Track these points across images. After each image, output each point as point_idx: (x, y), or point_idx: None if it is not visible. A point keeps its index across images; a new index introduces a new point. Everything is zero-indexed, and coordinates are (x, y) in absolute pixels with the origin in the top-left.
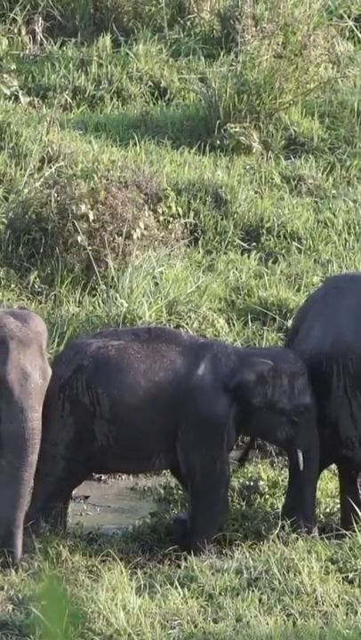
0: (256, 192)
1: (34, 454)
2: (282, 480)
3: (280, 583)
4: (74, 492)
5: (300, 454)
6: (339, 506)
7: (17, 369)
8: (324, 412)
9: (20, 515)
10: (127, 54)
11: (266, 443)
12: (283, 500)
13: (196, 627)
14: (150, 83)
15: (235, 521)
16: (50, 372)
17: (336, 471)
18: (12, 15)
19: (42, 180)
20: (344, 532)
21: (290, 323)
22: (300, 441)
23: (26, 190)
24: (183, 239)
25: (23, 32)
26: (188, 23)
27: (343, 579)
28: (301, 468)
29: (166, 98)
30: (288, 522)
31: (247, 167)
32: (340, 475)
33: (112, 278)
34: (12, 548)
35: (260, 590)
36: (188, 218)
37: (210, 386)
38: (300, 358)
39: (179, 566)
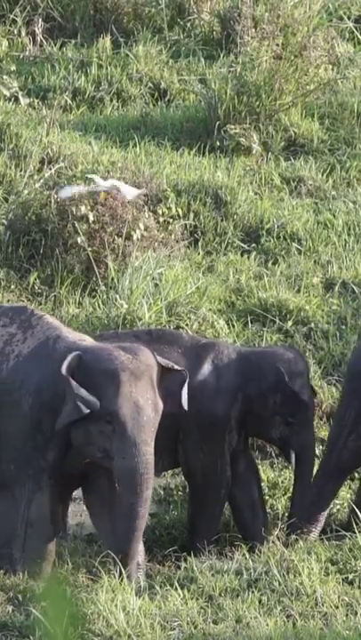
0: (256, 193)
1: (148, 489)
2: (281, 481)
3: (280, 584)
4: (74, 494)
5: (293, 454)
6: (338, 507)
7: (129, 402)
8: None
9: (138, 549)
10: (127, 55)
11: (265, 444)
12: (283, 501)
13: (195, 628)
14: (150, 84)
15: (234, 522)
16: (161, 405)
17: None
18: (11, 16)
19: (42, 181)
20: (344, 532)
21: (289, 324)
22: (295, 442)
23: (26, 191)
24: (183, 240)
25: (23, 33)
26: (188, 24)
27: (343, 580)
28: (293, 467)
29: (166, 99)
30: (286, 523)
31: (247, 168)
32: None
33: (112, 279)
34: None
35: (260, 591)
36: (188, 219)
37: (212, 387)
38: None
39: (179, 567)
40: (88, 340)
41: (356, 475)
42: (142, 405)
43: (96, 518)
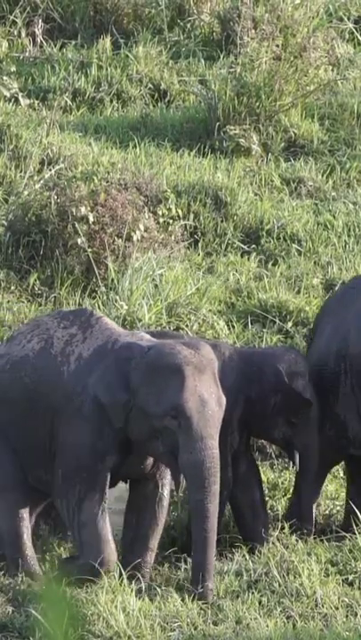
0: (256, 194)
1: (216, 484)
2: (281, 482)
3: (280, 585)
4: None
5: (297, 455)
6: (338, 508)
7: (194, 396)
8: (332, 411)
9: (210, 556)
10: (127, 56)
11: (266, 445)
12: (283, 502)
13: (195, 629)
14: (150, 85)
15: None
16: (224, 399)
17: (336, 473)
18: (11, 17)
19: (42, 182)
20: (344, 533)
21: (289, 325)
22: (298, 441)
23: (26, 192)
24: (183, 241)
25: (23, 34)
26: (188, 25)
27: (343, 581)
28: (297, 468)
29: (166, 100)
30: (287, 524)
31: (247, 169)
32: (348, 475)
33: (112, 280)
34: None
35: (260, 592)
36: (188, 220)
37: None
38: (315, 356)
39: (179, 568)
40: (146, 338)
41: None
42: (207, 399)
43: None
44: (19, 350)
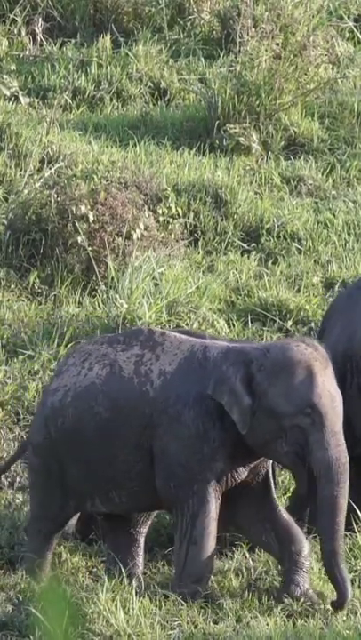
0: (256, 193)
1: (347, 480)
2: (282, 481)
3: (280, 584)
4: None
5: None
6: None
7: (325, 392)
8: None
9: (340, 544)
10: (127, 55)
11: None
12: (282, 501)
13: (196, 627)
14: (150, 83)
15: None
16: (341, 396)
17: None
18: (11, 16)
19: (42, 180)
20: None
21: (289, 323)
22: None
23: (26, 191)
24: (183, 240)
25: (23, 33)
26: (188, 24)
27: None
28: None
29: (166, 98)
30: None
31: (247, 168)
32: (355, 475)
33: (112, 279)
34: (345, 580)
35: (260, 591)
36: (188, 218)
37: None
38: None
39: None
40: (225, 342)
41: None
42: (334, 394)
43: (250, 530)
44: (81, 380)
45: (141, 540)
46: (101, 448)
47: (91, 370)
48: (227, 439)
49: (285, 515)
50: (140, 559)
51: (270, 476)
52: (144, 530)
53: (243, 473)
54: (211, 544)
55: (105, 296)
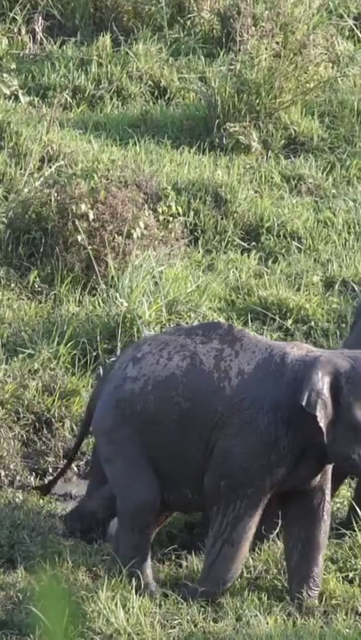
0: (256, 191)
1: None
2: None
3: (280, 583)
4: (74, 492)
5: None
6: (338, 505)
7: None
8: None
9: None
10: (127, 54)
11: None
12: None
13: (196, 626)
14: (150, 82)
15: None
16: None
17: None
18: (11, 15)
19: (42, 179)
20: (344, 531)
21: (289, 322)
22: None
23: (26, 190)
24: (183, 238)
25: (23, 31)
26: (188, 22)
27: (343, 578)
28: None
29: (166, 97)
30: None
31: (247, 166)
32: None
33: (112, 278)
34: None
35: (261, 590)
36: (188, 217)
37: None
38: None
39: (179, 565)
40: (306, 347)
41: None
42: None
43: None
44: (161, 370)
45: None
46: (180, 439)
47: (170, 360)
48: (295, 448)
49: (317, 551)
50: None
51: (326, 497)
52: (154, 534)
53: (300, 482)
54: (246, 549)
55: (105, 295)
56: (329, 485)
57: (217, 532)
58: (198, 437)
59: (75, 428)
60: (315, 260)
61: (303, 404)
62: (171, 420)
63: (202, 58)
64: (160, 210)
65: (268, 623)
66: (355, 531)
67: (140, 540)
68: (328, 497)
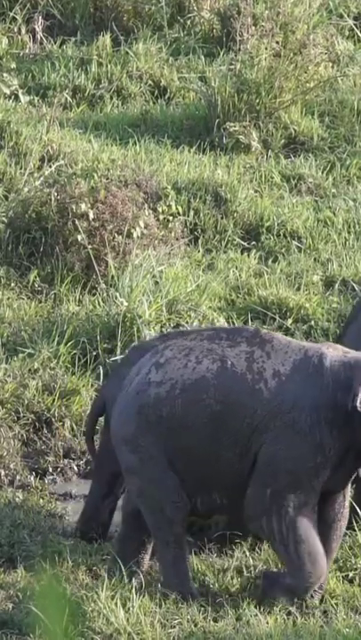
0: (256, 191)
1: None
2: None
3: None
4: (74, 491)
5: None
6: None
7: None
8: None
9: None
10: (127, 53)
11: None
12: None
13: (196, 626)
14: (150, 82)
15: None
16: None
17: None
18: (11, 14)
19: (42, 178)
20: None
21: (289, 322)
22: None
23: (26, 189)
24: (183, 238)
25: (23, 31)
26: (188, 22)
27: (343, 578)
28: None
29: (166, 97)
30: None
31: (247, 166)
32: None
33: (112, 277)
34: None
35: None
36: (188, 217)
37: None
38: None
39: None
40: (340, 348)
41: None
42: None
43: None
44: (190, 373)
45: (149, 547)
46: (211, 443)
47: (200, 363)
48: (340, 448)
49: (329, 556)
50: (147, 559)
51: (346, 502)
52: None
53: (337, 484)
54: (317, 541)
55: (105, 294)
56: (349, 489)
57: (279, 540)
58: (232, 441)
59: (75, 427)
60: (315, 259)
61: (357, 404)
62: (200, 424)
63: (202, 57)
64: (160, 209)
65: (268, 623)
66: (355, 530)
67: (178, 552)
68: (347, 502)
